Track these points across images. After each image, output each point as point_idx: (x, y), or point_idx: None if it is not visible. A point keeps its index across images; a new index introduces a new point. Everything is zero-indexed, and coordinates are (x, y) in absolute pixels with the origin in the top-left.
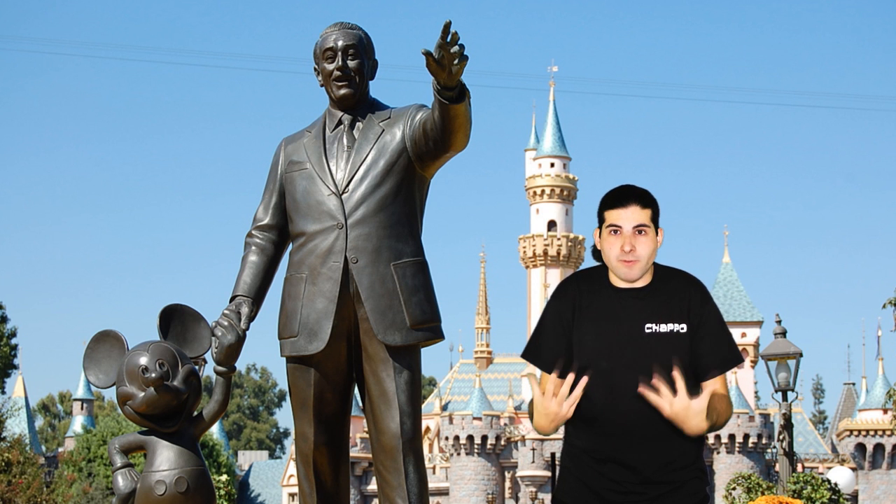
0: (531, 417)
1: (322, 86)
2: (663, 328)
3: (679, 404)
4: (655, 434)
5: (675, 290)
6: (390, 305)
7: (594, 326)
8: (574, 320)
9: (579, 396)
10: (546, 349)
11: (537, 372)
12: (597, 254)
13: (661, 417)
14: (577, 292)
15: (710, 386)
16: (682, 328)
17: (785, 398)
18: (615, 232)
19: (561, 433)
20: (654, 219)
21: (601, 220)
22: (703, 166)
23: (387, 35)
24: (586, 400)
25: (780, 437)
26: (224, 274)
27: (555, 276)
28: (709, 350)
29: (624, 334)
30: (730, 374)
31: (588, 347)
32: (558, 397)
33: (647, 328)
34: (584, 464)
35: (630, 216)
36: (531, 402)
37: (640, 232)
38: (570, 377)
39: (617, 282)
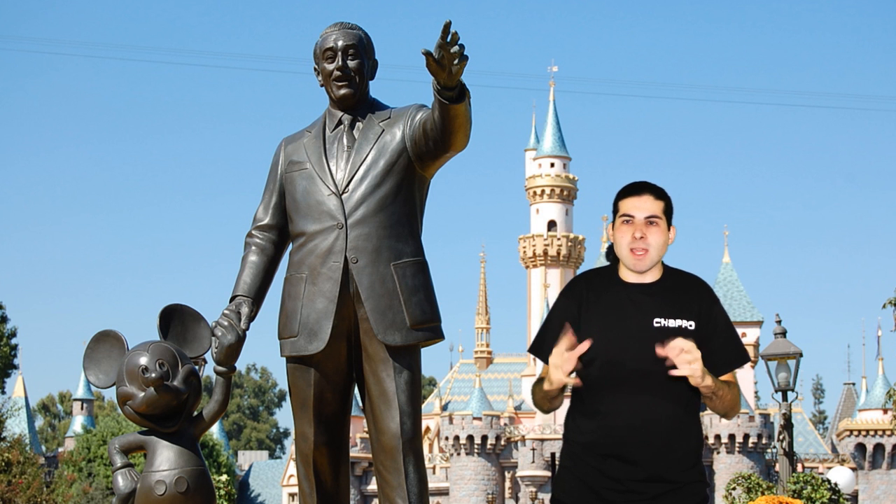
0: (533, 400)
1: (322, 86)
2: (672, 323)
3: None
4: (660, 429)
5: (684, 288)
6: (390, 305)
7: (602, 320)
8: (581, 315)
9: (583, 350)
10: (551, 345)
11: (538, 372)
12: (610, 254)
13: (666, 413)
14: (585, 288)
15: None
16: (691, 325)
17: (785, 398)
18: (628, 221)
19: (561, 433)
20: (667, 213)
21: (615, 210)
22: (703, 166)
23: (387, 35)
24: (592, 392)
25: (780, 437)
26: (224, 274)
27: (555, 276)
28: (718, 349)
29: (632, 328)
30: None
31: (595, 340)
32: (559, 355)
33: (656, 322)
34: (585, 462)
35: (643, 205)
36: (533, 385)
37: (651, 223)
38: (568, 336)
39: (627, 277)
